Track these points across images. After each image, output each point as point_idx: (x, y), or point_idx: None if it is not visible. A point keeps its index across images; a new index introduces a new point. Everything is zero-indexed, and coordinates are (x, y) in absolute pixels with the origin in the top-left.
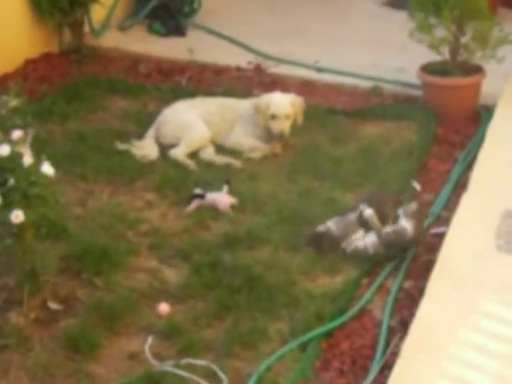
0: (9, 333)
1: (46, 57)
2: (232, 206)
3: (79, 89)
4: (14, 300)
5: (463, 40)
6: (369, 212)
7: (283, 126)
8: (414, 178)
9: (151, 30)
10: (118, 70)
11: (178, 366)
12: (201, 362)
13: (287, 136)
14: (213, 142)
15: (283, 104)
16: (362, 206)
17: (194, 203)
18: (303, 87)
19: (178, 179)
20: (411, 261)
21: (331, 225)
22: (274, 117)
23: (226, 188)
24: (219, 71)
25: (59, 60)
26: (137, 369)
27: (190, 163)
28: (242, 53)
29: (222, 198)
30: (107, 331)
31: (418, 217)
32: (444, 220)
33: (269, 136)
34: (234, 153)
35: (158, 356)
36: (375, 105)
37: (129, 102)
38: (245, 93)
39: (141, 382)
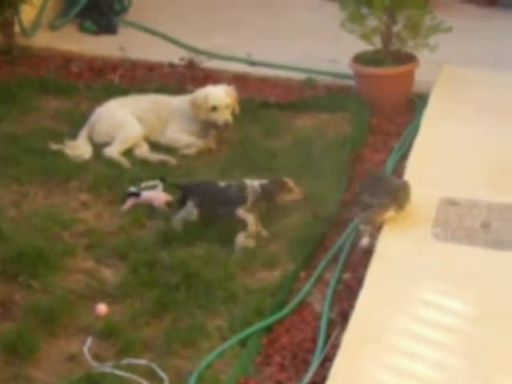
0: None
1: None
2: (168, 203)
3: (11, 90)
4: None
5: (395, 29)
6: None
7: (226, 115)
8: (349, 168)
9: (82, 29)
10: (50, 70)
11: (118, 367)
12: (141, 362)
13: (230, 125)
14: (147, 139)
15: (221, 95)
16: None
17: (130, 201)
18: (236, 81)
19: (113, 178)
20: (349, 252)
21: None
22: (215, 109)
23: (161, 185)
24: (151, 68)
25: None
26: (77, 370)
27: (125, 161)
28: (174, 49)
29: (158, 196)
30: (45, 334)
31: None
32: None
33: (204, 131)
34: (170, 150)
35: (98, 357)
36: (309, 97)
37: (61, 101)
38: (178, 89)
39: None
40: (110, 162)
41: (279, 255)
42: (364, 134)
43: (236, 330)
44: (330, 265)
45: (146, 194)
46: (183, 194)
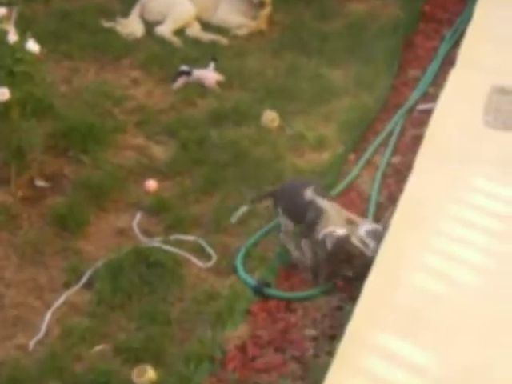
0: None
1: None
2: (219, 83)
3: None
4: (1, 179)
5: None
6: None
7: None
8: (401, 54)
9: None
10: None
11: (166, 242)
12: (189, 238)
13: (268, 3)
14: (199, 19)
15: None
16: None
17: (181, 80)
18: None
19: (164, 56)
20: (399, 136)
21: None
22: None
23: (212, 65)
24: None
25: None
26: (125, 245)
27: (176, 40)
28: None
29: (209, 75)
30: (95, 208)
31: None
32: (431, 96)
33: (254, 12)
34: (221, 30)
35: (147, 232)
36: None
37: None
38: None
39: (129, 258)
40: (162, 41)
41: (329, 137)
42: (416, 20)
43: None
44: (380, 148)
45: (198, 73)
46: (273, 201)
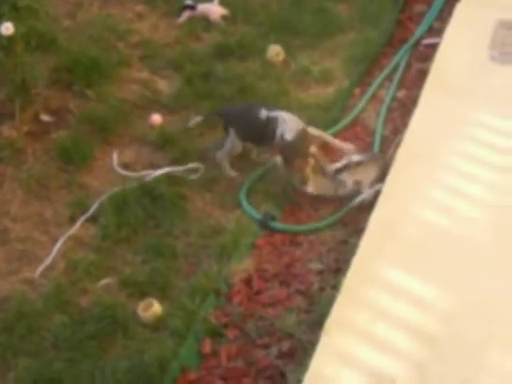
0: (1, 146)
1: None
2: (223, 17)
3: None
4: (6, 114)
5: None
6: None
7: None
8: None
9: None
10: None
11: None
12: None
13: None
14: None
15: None
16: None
17: (185, 14)
18: None
19: None
20: (404, 70)
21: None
22: None
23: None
24: None
25: None
26: (130, 179)
27: None
28: None
29: (214, 9)
30: (100, 142)
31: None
32: (437, 31)
33: None
34: None
35: (152, 166)
36: None
37: None
38: None
39: (134, 192)
40: None
41: (333, 72)
42: None
43: None
44: (385, 83)
45: (202, 7)
46: (225, 121)
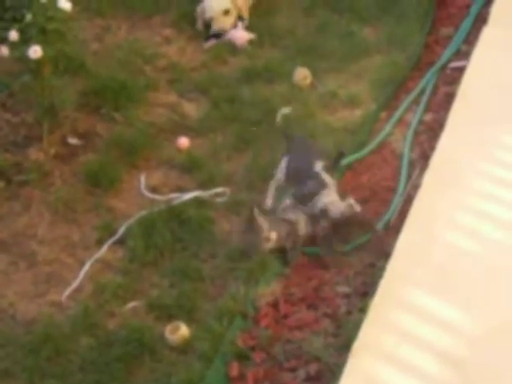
0: (29, 168)
1: None
2: (250, 41)
3: None
4: (34, 136)
5: None
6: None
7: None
8: (433, 12)
9: None
10: None
11: (198, 199)
12: (219, 191)
13: None
14: None
15: None
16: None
17: (212, 41)
18: None
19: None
20: (431, 94)
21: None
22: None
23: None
24: None
25: None
26: (157, 202)
27: None
28: None
29: (240, 34)
30: (127, 165)
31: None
32: (464, 54)
33: None
34: None
35: (179, 189)
36: None
37: None
38: None
39: (161, 215)
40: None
41: (360, 95)
42: None
43: None
44: (412, 106)
45: (228, 34)
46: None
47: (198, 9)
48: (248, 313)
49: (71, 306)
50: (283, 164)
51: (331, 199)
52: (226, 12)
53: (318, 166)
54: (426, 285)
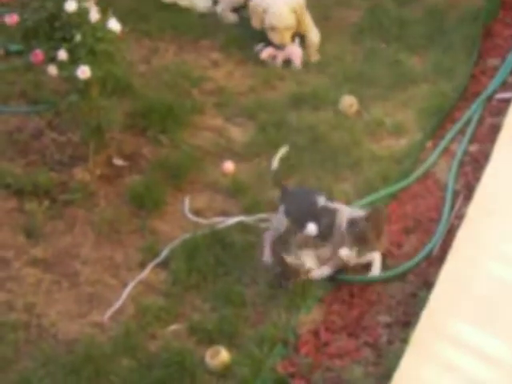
0: (74, 188)
1: None
2: (304, 63)
3: None
4: (80, 156)
5: None
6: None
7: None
8: (480, 42)
9: None
10: None
11: (242, 223)
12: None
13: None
14: None
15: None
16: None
17: (268, 50)
18: None
19: (244, 38)
20: (477, 124)
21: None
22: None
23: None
24: None
25: None
26: (201, 226)
27: (232, 17)
28: None
29: (296, 50)
30: (172, 188)
31: None
32: (510, 85)
33: None
34: None
35: (223, 213)
36: None
37: None
38: None
39: (205, 239)
40: (242, 23)
41: (406, 124)
42: (496, 9)
43: (361, 195)
44: (458, 136)
45: (289, 48)
46: (281, 194)
47: (253, 3)
48: (289, 340)
49: (113, 326)
50: (280, 214)
51: (347, 210)
52: (290, 28)
53: (321, 200)
54: (468, 316)
